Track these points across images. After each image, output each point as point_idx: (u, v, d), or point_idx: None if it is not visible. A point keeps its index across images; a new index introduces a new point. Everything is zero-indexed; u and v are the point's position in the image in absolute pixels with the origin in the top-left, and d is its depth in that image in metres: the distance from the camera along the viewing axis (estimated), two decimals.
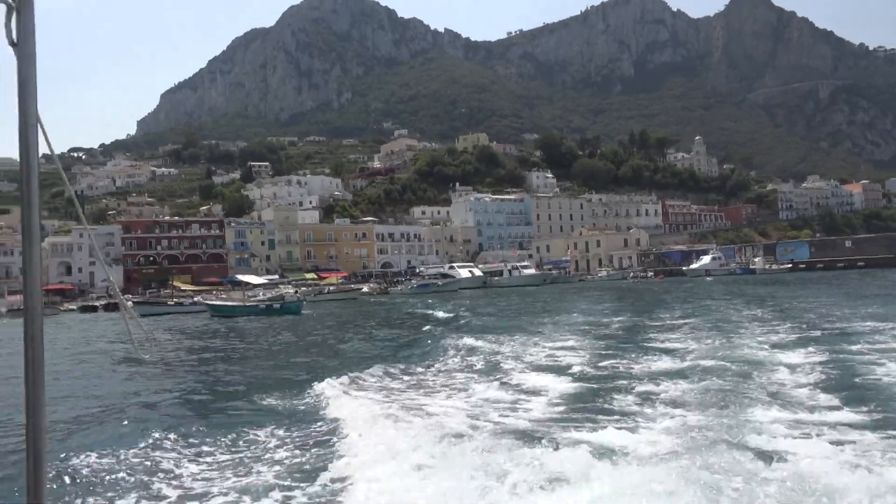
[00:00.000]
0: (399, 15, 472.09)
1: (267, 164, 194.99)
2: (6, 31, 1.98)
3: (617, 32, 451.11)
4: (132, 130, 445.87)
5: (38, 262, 2.04)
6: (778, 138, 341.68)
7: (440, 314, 38.06)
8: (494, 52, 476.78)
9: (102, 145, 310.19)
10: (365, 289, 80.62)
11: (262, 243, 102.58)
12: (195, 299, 59.75)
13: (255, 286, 62.00)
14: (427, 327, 29.79)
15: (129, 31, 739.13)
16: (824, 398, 11.03)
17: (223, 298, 57.85)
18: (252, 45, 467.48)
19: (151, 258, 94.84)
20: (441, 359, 18.14)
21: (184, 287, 73.15)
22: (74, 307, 69.67)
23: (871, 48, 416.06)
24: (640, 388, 12.38)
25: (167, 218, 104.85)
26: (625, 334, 22.10)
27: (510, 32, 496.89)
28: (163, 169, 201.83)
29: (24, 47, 1.96)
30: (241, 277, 62.47)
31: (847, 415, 9.91)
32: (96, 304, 70.24)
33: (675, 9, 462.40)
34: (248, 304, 50.65)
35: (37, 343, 2.08)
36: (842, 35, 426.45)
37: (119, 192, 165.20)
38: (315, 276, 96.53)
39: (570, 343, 19.93)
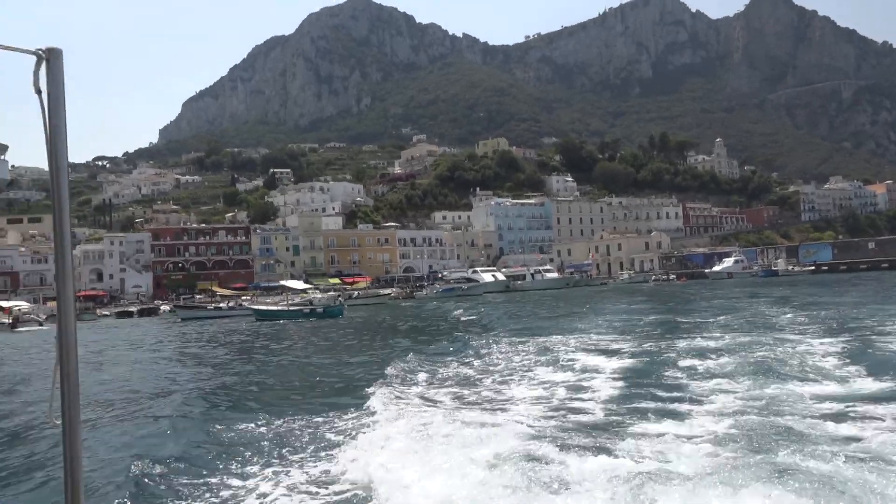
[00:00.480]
0: (417, 20, 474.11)
1: (288, 170, 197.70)
2: (34, 80, 2.07)
3: (636, 34, 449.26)
4: (154, 138, 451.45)
5: (71, 270, 2.04)
6: (800, 139, 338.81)
7: (472, 317, 39.05)
8: (512, 56, 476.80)
9: (126, 154, 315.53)
10: (391, 293, 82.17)
11: (287, 249, 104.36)
12: (239, 302, 61.97)
13: (298, 291, 64.37)
14: (466, 328, 30.92)
15: (151, 40, 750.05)
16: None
17: (267, 303, 59.76)
18: (272, 52, 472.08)
19: (180, 264, 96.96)
20: (489, 357, 19.04)
21: (220, 292, 75.30)
22: (108, 313, 71.90)
23: (895, 46, 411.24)
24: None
25: (194, 225, 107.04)
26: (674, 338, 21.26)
27: (528, 36, 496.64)
28: (187, 177, 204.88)
29: (53, 95, 2.04)
30: (285, 283, 64.96)
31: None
32: (131, 309, 73.06)
33: (694, 10, 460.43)
34: (292, 308, 52.60)
35: (70, 347, 2.09)
36: (864, 34, 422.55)
37: (145, 200, 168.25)
38: (339, 281, 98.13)
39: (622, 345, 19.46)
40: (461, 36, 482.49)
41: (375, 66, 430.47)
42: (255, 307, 55.04)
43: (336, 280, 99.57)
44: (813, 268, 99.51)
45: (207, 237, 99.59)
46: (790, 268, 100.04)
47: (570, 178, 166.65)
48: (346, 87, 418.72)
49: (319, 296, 62.27)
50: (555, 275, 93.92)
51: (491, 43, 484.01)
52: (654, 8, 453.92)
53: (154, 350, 30.14)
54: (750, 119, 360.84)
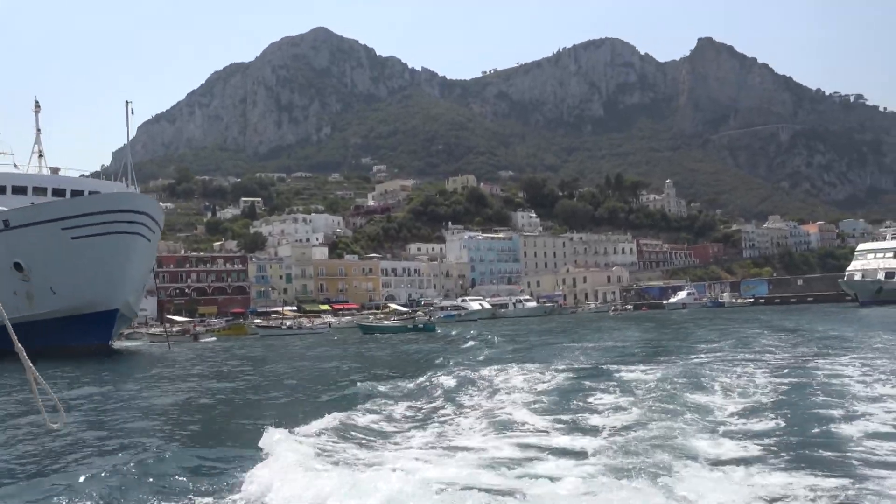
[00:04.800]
0: (377, 53, 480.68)
1: (259, 199, 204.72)
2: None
3: (588, 74, 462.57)
4: (106, 161, 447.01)
5: None
6: (741, 179, 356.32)
7: (496, 338, 46.96)
8: (470, 91, 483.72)
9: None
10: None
11: (280, 277, 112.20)
12: (314, 321, 72.88)
13: (403, 312, 79.68)
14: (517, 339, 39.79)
15: (104, 59, 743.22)
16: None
17: (370, 321, 71.29)
18: (231, 78, 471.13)
19: (181, 290, 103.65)
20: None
21: (287, 313, 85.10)
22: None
23: (827, 93, 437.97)
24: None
25: (194, 254, 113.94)
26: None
27: (485, 71, 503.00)
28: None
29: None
30: (392, 305, 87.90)
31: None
32: (140, 331, 79.04)
33: (643, 52, 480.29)
34: (396, 324, 63.56)
35: None
36: (800, 80, 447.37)
37: None
38: (329, 308, 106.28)
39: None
40: (420, 69, 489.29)
41: (335, 97, 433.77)
42: (361, 323, 66.17)
43: (326, 307, 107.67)
44: (752, 300, 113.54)
45: (207, 265, 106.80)
46: (734, 300, 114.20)
47: (534, 214, 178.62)
48: (306, 116, 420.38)
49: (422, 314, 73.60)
50: (533, 304, 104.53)
51: (449, 77, 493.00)
52: (606, 49, 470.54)
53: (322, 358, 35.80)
54: (694, 158, 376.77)
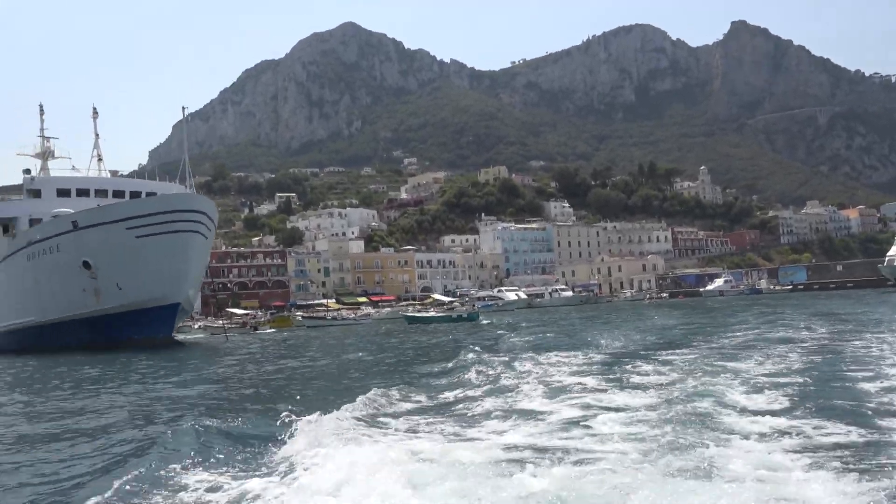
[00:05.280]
0: (406, 46, 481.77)
1: (294, 195, 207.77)
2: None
3: (618, 61, 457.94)
4: (143, 160, 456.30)
5: None
6: (778, 163, 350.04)
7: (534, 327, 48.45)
8: (499, 81, 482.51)
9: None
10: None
11: (319, 271, 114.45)
12: (356, 313, 75.67)
13: (445, 303, 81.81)
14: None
15: (140, 61, 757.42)
16: None
17: (415, 312, 74.36)
18: (262, 76, 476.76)
19: (224, 285, 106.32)
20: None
21: (331, 305, 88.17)
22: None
23: (866, 74, 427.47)
24: None
25: (235, 249, 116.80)
26: None
27: (514, 62, 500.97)
28: None
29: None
30: (435, 296, 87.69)
31: None
32: (187, 324, 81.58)
33: (674, 37, 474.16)
34: (440, 314, 65.70)
35: None
36: (838, 62, 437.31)
37: None
38: (367, 299, 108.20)
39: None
40: (449, 61, 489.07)
41: (365, 91, 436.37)
42: (406, 314, 68.72)
43: (363, 299, 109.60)
44: (791, 287, 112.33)
45: (247, 260, 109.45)
46: (772, 287, 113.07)
47: (567, 204, 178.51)
48: (336, 111, 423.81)
49: (461, 306, 77.91)
50: (569, 294, 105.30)
51: (478, 68, 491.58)
52: (636, 35, 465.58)
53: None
54: (730, 143, 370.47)
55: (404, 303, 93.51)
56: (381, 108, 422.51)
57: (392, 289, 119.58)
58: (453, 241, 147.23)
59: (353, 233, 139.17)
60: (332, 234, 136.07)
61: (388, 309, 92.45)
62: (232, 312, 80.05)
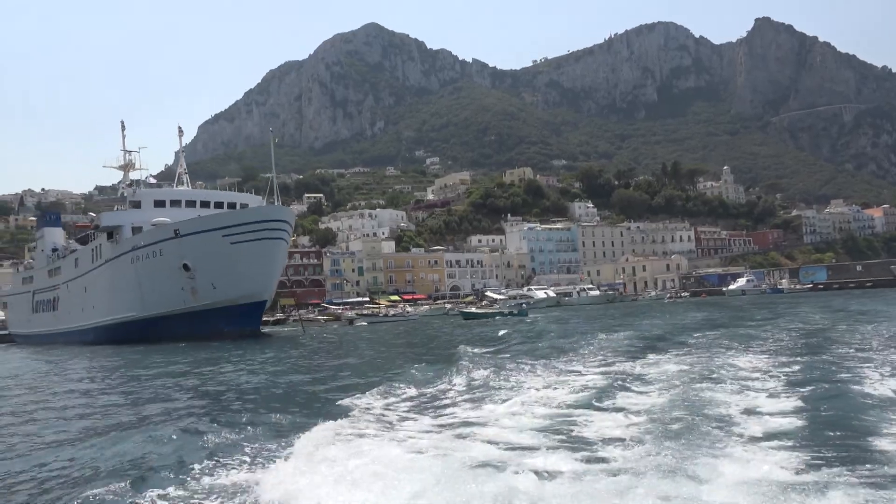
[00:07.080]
0: (428, 46, 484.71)
1: (321, 195, 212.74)
2: None
3: (641, 59, 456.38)
4: (169, 160, 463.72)
5: None
6: (803, 161, 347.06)
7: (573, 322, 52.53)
8: (521, 80, 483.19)
9: (150, 176, 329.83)
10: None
11: (353, 270, 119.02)
12: (406, 309, 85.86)
13: (498, 300, 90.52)
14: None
15: (165, 63, 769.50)
16: None
17: (472, 308, 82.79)
18: (286, 77, 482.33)
19: None
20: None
21: (383, 303, 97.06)
22: None
23: (894, 70, 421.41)
24: None
25: None
26: None
27: (535, 60, 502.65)
28: None
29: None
30: (490, 293, 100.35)
31: None
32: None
33: (697, 35, 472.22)
34: (493, 311, 73.22)
35: None
36: (864, 58, 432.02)
37: None
38: (399, 298, 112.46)
39: None
40: (471, 61, 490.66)
41: (388, 91, 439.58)
42: (463, 310, 76.40)
43: (396, 297, 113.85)
44: (811, 286, 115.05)
45: (288, 260, 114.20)
46: (793, 286, 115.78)
47: (591, 205, 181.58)
48: (359, 111, 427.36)
49: (511, 302, 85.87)
50: (596, 293, 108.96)
51: (500, 67, 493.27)
52: (659, 34, 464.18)
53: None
54: (754, 141, 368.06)
55: (441, 301, 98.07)
56: (403, 107, 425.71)
57: (422, 288, 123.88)
58: (480, 241, 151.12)
59: (383, 233, 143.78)
60: (364, 235, 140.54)
61: (427, 307, 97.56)
62: (326, 308, 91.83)
